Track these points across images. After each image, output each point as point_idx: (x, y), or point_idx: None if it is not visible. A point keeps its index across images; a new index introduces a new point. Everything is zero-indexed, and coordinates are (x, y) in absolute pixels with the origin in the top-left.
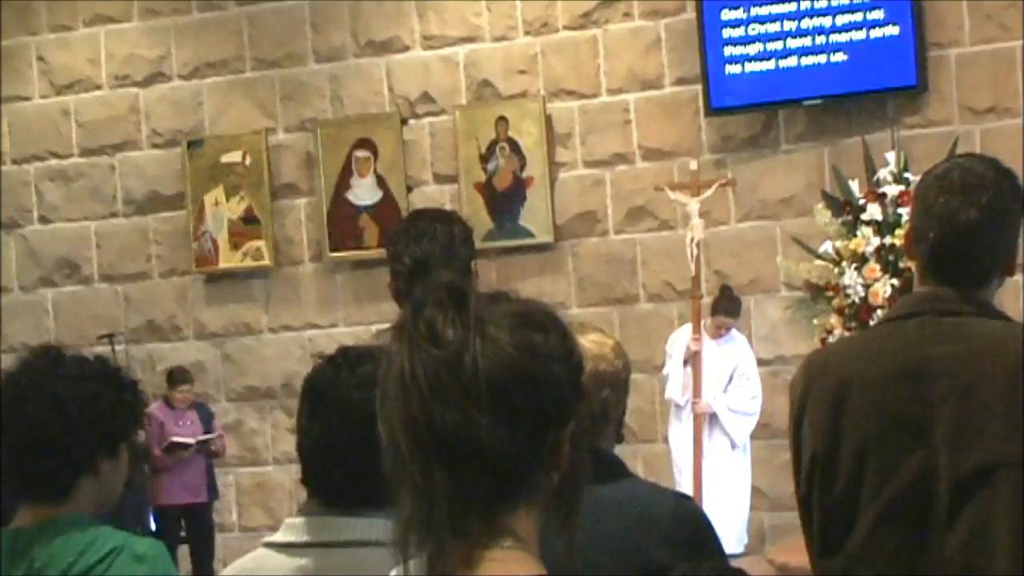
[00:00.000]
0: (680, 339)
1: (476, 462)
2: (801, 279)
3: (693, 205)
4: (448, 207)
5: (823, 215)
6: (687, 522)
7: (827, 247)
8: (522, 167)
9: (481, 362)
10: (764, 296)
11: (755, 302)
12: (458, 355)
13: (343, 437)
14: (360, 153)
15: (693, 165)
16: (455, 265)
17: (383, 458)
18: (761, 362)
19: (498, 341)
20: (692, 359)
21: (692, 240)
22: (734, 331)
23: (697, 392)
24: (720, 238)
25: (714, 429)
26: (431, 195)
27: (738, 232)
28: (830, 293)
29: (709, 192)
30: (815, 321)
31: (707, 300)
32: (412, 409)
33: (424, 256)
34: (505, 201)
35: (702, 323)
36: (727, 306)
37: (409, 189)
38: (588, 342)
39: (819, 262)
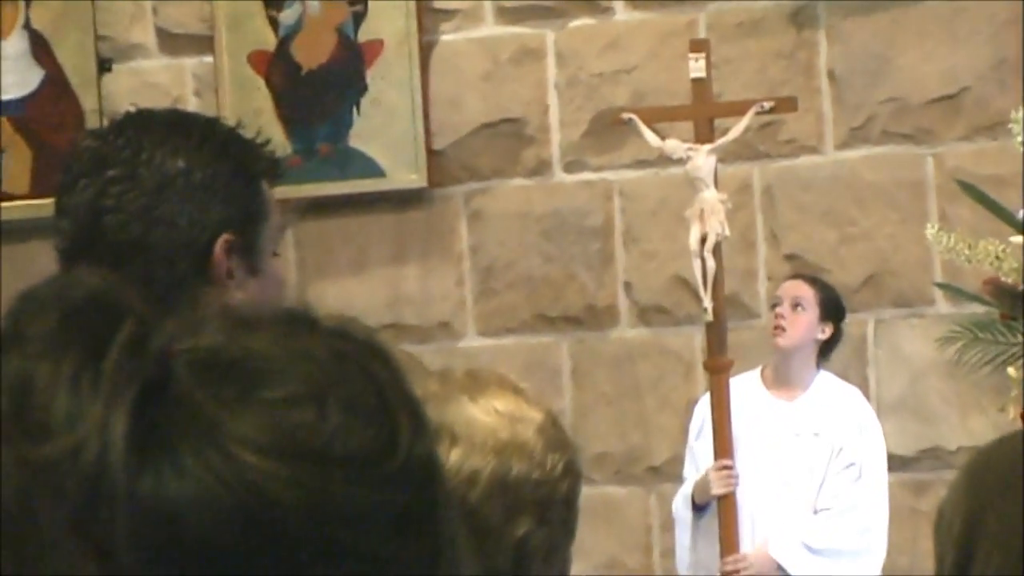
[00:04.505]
0: (705, 425)
1: None
2: (980, 275)
3: (701, 160)
4: (192, 107)
5: None
6: None
7: None
8: (357, 20)
9: (135, 478)
10: (896, 314)
11: (876, 328)
12: (76, 458)
13: None
14: None
15: (696, 68)
16: (174, 237)
17: None
18: (893, 462)
19: (192, 426)
20: (721, 510)
21: (703, 242)
22: (828, 376)
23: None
24: (800, 182)
25: None
26: (154, 80)
27: (839, 169)
28: None
29: (737, 131)
30: (1011, 372)
31: (752, 332)
32: None
33: (90, 217)
34: (318, 95)
35: (757, 374)
36: (818, 296)
37: (105, 66)
38: (485, 413)
39: (1019, 238)
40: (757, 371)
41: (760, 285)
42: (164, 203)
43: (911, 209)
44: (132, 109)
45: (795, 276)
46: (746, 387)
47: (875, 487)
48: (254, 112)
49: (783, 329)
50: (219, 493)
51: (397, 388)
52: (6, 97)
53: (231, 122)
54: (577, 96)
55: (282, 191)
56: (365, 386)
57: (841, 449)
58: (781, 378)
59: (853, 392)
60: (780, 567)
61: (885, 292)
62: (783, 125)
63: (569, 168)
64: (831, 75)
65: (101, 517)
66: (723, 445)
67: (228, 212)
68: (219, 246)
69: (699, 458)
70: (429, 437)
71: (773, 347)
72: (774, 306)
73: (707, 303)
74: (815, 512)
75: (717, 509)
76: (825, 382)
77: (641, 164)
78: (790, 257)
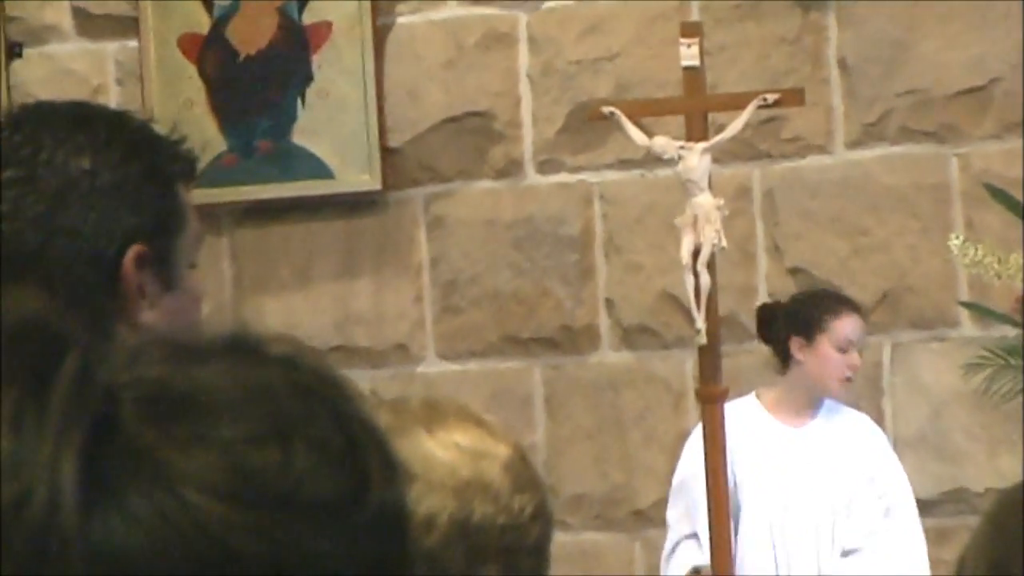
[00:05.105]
0: (695, 465)
1: None
2: (1011, 292)
3: (694, 160)
4: (114, 103)
5: None
6: None
7: None
8: (302, 0)
9: (84, 528)
10: (915, 337)
11: (892, 353)
12: (22, 508)
13: None
14: None
15: (688, 55)
16: (77, 248)
17: None
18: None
19: (142, 469)
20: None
21: (696, 254)
22: (831, 401)
23: None
24: (806, 186)
25: None
26: (70, 66)
27: (851, 171)
28: None
29: (735, 127)
30: None
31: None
32: None
33: None
34: (257, 84)
35: (753, 399)
36: (824, 313)
37: (14, 51)
38: (444, 448)
39: None
40: (751, 396)
41: (760, 303)
42: (66, 209)
43: (933, 217)
44: (33, 101)
45: (851, 308)
46: (745, 413)
47: (912, 523)
48: (184, 104)
49: (851, 381)
50: (173, 542)
51: (364, 425)
52: None
53: (143, 115)
54: (553, 87)
55: (217, 194)
56: (331, 424)
57: (871, 479)
58: (790, 405)
59: (864, 419)
60: None
61: (903, 312)
62: (787, 121)
63: (543, 168)
64: (842, 64)
65: (50, 572)
66: (717, 485)
67: (139, 219)
68: (129, 258)
69: (700, 501)
70: (401, 481)
71: (823, 391)
72: (842, 350)
73: (700, 324)
74: (844, 553)
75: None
76: (830, 407)
77: (625, 164)
78: (794, 271)
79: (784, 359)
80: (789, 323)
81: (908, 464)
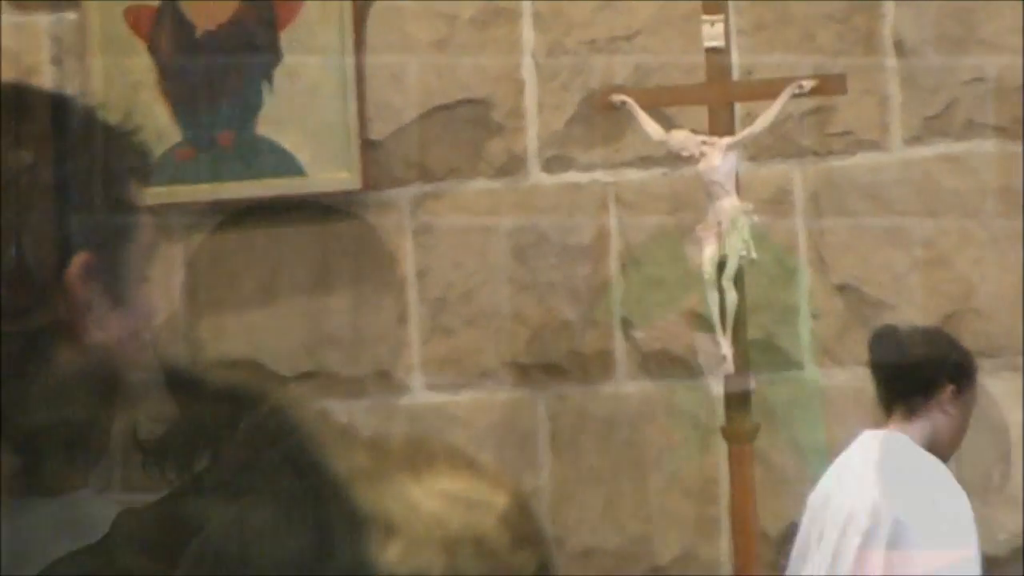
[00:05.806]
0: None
1: None
2: None
3: (717, 158)
4: (49, 79)
5: None
6: None
7: None
8: None
9: None
10: (983, 366)
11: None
12: None
13: None
14: None
15: (711, 35)
16: (13, 260)
17: None
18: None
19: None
20: None
21: (721, 267)
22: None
23: None
24: (857, 188)
25: None
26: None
27: (909, 171)
28: None
29: (766, 120)
30: None
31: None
32: None
33: None
34: (216, 65)
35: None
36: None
37: None
38: (432, 497)
39: None
40: (903, 436)
41: (802, 324)
42: (1, 211)
43: (1004, 225)
44: None
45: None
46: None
47: None
48: (132, 87)
49: None
50: None
51: (326, 473)
52: None
53: (93, 101)
54: (562, 70)
55: (169, 193)
56: (287, 470)
57: None
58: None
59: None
60: None
61: (968, 336)
62: (834, 112)
63: (550, 166)
64: (899, 46)
65: None
66: (747, 534)
67: (85, 223)
68: (73, 269)
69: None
70: (367, 535)
71: (941, 451)
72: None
73: (726, 349)
74: None
75: None
76: None
77: (646, 162)
78: (842, 288)
79: (923, 402)
80: (952, 367)
81: (974, 513)
